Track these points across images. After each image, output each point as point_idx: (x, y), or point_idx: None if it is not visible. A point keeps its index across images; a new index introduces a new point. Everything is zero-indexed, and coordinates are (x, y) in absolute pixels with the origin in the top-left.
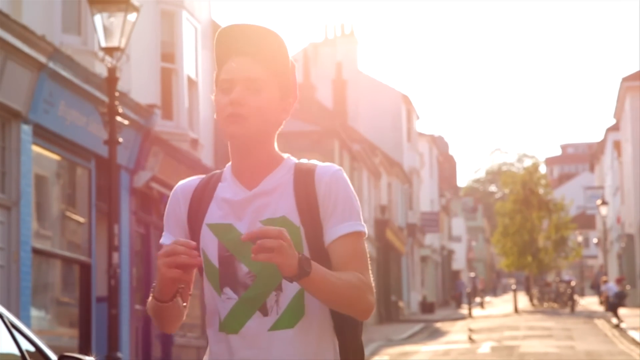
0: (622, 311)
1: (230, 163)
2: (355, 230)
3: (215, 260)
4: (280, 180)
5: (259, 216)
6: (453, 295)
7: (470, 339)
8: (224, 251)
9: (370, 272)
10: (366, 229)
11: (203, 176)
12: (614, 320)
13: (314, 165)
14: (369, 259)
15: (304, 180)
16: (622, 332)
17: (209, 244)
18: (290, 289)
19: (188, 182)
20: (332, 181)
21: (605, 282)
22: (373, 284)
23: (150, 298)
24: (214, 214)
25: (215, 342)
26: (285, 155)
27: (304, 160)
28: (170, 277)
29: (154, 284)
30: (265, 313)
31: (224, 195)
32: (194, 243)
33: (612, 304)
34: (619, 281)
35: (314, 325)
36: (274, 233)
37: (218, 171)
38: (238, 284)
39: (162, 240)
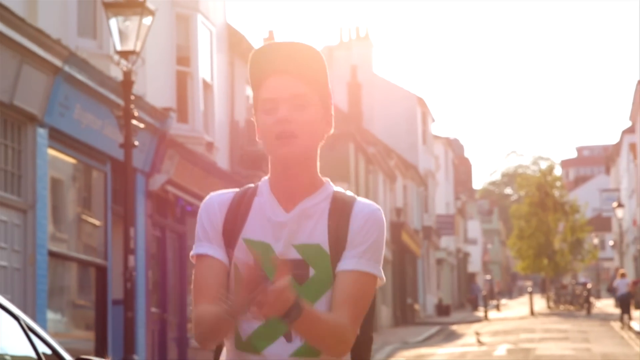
0: (637, 313)
1: (266, 178)
2: (370, 272)
3: None
4: (317, 206)
5: (293, 240)
6: (469, 298)
7: (479, 342)
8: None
9: (362, 313)
10: (382, 275)
11: (236, 189)
12: (628, 321)
13: (353, 198)
14: (369, 303)
15: (340, 210)
16: (639, 334)
17: (244, 259)
18: None
19: (223, 194)
20: (369, 218)
21: (623, 276)
22: (358, 323)
23: (206, 310)
24: (253, 230)
25: (234, 356)
26: (325, 179)
27: (339, 189)
28: (263, 314)
29: (228, 297)
30: (289, 339)
31: (263, 211)
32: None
33: (620, 304)
34: (635, 283)
35: None
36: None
37: (252, 185)
38: None
39: (202, 250)
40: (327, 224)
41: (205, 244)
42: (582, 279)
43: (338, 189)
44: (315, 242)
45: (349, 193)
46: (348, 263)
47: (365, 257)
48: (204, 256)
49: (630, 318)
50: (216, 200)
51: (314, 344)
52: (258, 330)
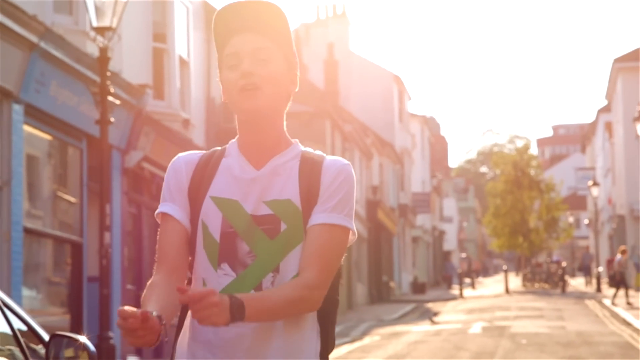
0: (612, 292)
1: (234, 140)
2: (339, 224)
3: (217, 235)
4: (287, 164)
5: (263, 196)
6: (444, 276)
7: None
8: (227, 227)
9: (334, 266)
10: (354, 228)
11: (204, 151)
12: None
13: (322, 156)
14: (341, 256)
15: (310, 168)
16: (613, 312)
17: (212, 216)
18: (288, 271)
19: (190, 154)
20: (339, 173)
21: (623, 253)
22: (329, 278)
23: (157, 288)
24: (219, 187)
25: (191, 325)
26: (294, 140)
27: (309, 149)
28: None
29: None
30: None
31: (231, 169)
32: (147, 315)
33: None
34: (610, 262)
35: None
36: (199, 299)
37: (219, 148)
38: (237, 262)
39: (163, 209)
40: (298, 180)
41: (169, 203)
42: (555, 257)
43: (307, 149)
44: (286, 197)
45: (318, 152)
46: (318, 217)
47: (336, 211)
48: (165, 215)
49: (614, 296)
50: (183, 160)
51: (278, 320)
52: (229, 286)
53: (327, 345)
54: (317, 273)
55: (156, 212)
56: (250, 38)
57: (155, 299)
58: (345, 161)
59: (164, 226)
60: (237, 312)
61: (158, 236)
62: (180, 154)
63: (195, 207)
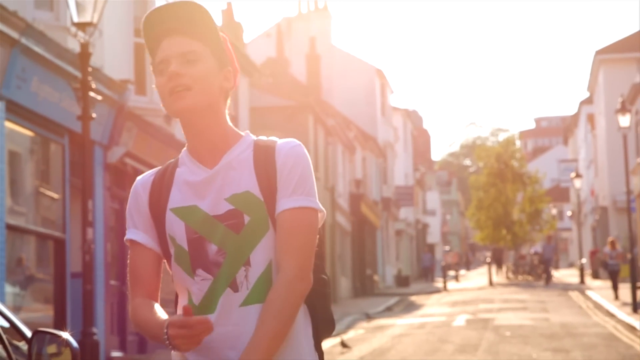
0: (595, 283)
1: (185, 148)
2: (303, 206)
3: (184, 244)
4: (241, 157)
5: (222, 194)
6: (424, 267)
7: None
8: (192, 233)
9: (310, 249)
10: (320, 206)
11: (159, 168)
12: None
13: (274, 141)
14: (315, 236)
15: (264, 155)
16: (596, 304)
17: (176, 228)
18: (259, 263)
19: (146, 175)
20: (289, 154)
21: (612, 244)
22: (308, 263)
23: (141, 311)
24: (176, 198)
25: None
26: (244, 132)
27: (263, 138)
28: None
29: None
30: (235, 289)
31: (185, 176)
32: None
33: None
34: (593, 254)
35: None
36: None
37: (173, 160)
38: (210, 264)
39: (129, 236)
40: (255, 170)
41: (132, 229)
42: (533, 249)
43: (260, 137)
44: (244, 189)
45: (272, 138)
46: (282, 204)
47: (297, 193)
48: (132, 242)
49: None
50: (140, 182)
51: (290, 326)
52: (210, 289)
53: (321, 323)
54: (295, 262)
55: (125, 238)
56: (178, 41)
57: (157, 311)
58: (297, 141)
59: (133, 253)
60: None
61: (129, 260)
62: (138, 177)
63: (160, 225)
